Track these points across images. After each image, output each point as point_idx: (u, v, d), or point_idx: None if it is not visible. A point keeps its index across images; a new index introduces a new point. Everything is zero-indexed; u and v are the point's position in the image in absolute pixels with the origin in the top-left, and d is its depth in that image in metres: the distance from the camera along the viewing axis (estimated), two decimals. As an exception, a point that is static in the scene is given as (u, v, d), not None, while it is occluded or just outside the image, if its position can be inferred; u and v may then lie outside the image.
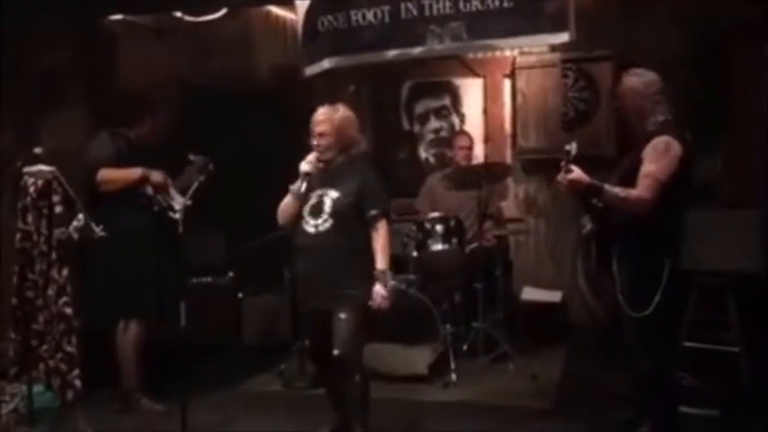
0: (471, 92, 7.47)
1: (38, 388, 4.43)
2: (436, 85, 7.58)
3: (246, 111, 6.73)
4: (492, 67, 7.37)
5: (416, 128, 7.69)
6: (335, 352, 4.07)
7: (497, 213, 6.62)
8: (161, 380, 5.04)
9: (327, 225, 4.18)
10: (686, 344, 5.07)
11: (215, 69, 7.05)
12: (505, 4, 5.10)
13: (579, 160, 4.02)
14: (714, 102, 6.11)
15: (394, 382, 5.46)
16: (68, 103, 5.87)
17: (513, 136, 7.29)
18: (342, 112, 4.35)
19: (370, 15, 5.44)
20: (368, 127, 6.23)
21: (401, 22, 5.38)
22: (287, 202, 4.34)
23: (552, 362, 5.95)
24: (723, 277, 5.20)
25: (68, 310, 4.33)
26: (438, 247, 5.96)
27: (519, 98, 7.14)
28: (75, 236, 4.32)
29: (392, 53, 5.51)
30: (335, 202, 4.21)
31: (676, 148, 3.92)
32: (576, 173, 3.97)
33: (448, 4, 5.21)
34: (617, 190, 3.95)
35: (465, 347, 6.00)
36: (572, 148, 4.01)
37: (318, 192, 4.26)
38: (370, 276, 4.17)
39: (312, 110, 4.38)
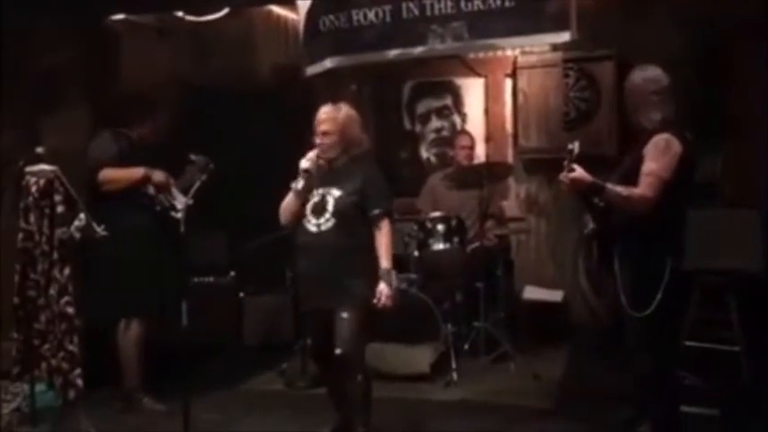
0: (473, 91, 7.48)
1: (40, 387, 4.44)
2: (438, 84, 7.59)
3: (248, 110, 6.74)
4: (493, 67, 7.38)
5: (418, 127, 7.70)
6: (338, 351, 4.07)
7: (499, 213, 6.63)
8: (163, 379, 5.04)
9: (330, 224, 4.18)
10: (687, 343, 5.07)
11: (216, 69, 7.06)
12: (507, 4, 5.11)
13: (581, 160, 4.01)
14: (714, 102, 6.11)
15: (395, 381, 5.46)
16: (70, 102, 5.87)
17: (515, 135, 7.30)
18: (345, 110, 4.35)
19: (371, 15, 5.44)
20: (369, 127, 6.21)
21: (402, 21, 5.39)
22: (288, 201, 4.34)
23: (553, 361, 5.95)
24: (724, 277, 5.21)
25: (70, 310, 4.34)
26: (439, 246, 5.96)
27: (520, 98, 7.15)
28: (77, 235, 4.32)
29: (393, 53, 5.52)
30: (338, 201, 4.21)
31: (677, 146, 3.92)
32: (579, 172, 3.96)
33: (449, 3, 5.22)
34: (619, 189, 3.94)
35: (466, 347, 6.01)
36: (574, 147, 4.00)
37: (321, 191, 4.26)
38: (372, 276, 4.17)
39: (314, 109, 4.38)
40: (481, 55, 7.18)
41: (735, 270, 5.21)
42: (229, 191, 5.99)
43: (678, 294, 3.98)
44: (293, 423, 4.94)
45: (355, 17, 5.49)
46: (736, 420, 4.62)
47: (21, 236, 4.32)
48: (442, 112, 7.60)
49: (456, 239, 5.97)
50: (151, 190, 5.12)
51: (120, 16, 6.24)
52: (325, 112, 4.32)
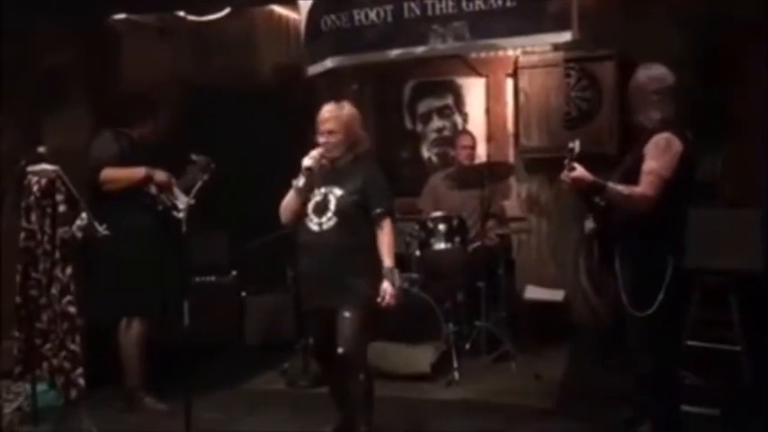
0: (474, 91, 7.48)
1: (41, 386, 4.44)
2: (439, 84, 7.60)
3: (249, 110, 6.74)
4: (495, 67, 7.39)
5: (419, 127, 7.71)
6: (340, 350, 4.07)
7: (500, 212, 6.63)
8: (164, 379, 5.05)
9: (332, 223, 4.18)
10: (688, 343, 5.07)
11: (218, 69, 7.06)
12: (508, 4, 5.11)
13: (582, 159, 4.01)
14: (714, 102, 6.11)
15: (397, 380, 5.47)
16: (72, 102, 5.88)
17: (516, 135, 7.30)
18: (348, 109, 4.35)
19: (372, 15, 5.45)
20: (371, 126, 6.24)
21: (404, 21, 5.39)
22: (289, 199, 4.33)
23: (555, 361, 5.96)
24: (724, 276, 5.21)
25: (72, 309, 4.34)
26: (441, 246, 5.96)
27: (521, 97, 7.15)
28: (79, 235, 4.32)
29: (395, 52, 5.52)
30: (340, 200, 4.21)
31: (678, 145, 3.92)
32: (579, 171, 3.96)
33: (450, 3, 5.23)
34: (620, 187, 3.94)
35: (468, 346, 6.01)
36: (575, 145, 4.00)
37: (323, 189, 4.26)
38: (374, 275, 4.17)
39: (315, 109, 4.38)
40: (482, 55, 7.19)
41: (735, 270, 5.21)
42: (231, 191, 5.99)
43: (679, 294, 3.98)
44: (295, 422, 4.95)
45: (357, 17, 5.50)
46: (736, 420, 4.62)
47: (22, 235, 4.32)
48: (443, 112, 7.60)
49: (457, 239, 5.97)
50: (153, 189, 5.12)
51: (121, 16, 6.24)
52: (328, 110, 4.31)
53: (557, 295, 6.85)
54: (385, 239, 4.22)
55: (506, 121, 7.39)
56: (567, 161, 4.01)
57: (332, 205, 4.20)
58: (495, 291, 6.14)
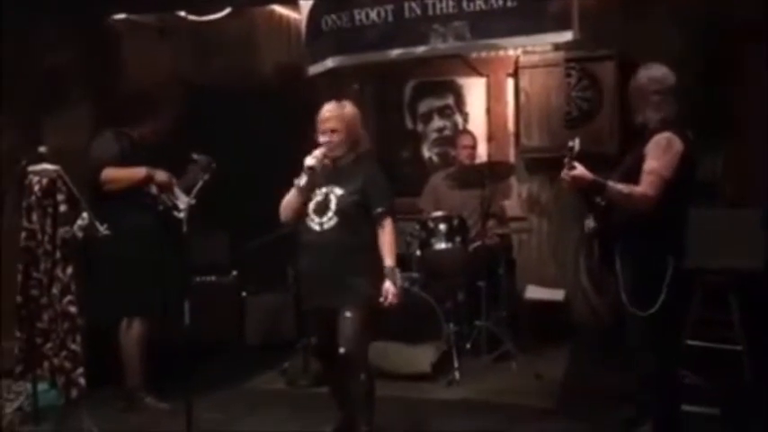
0: (474, 91, 7.49)
1: (42, 386, 4.45)
2: (439, 84, 7.60)
3: (250, 110, 6.73)
4: (495, 67, 7.39)
5: (420, 127, 7.71)
6: (341, 350, 4.06)
7: (500, 212, 6.63)
8: (165, 378, 5.05)
9: (332, 223, 4.17)
10: (689, 342, 5.08)
11: (218, 68, 7.06)
12: (509, 4, 5.11)
13: (582, 159, 4.01)
14: (714, 102, 6.12)
15: (397, 380, 5.47)
16: (72, 102, 5.88)
17: (517, 135, 7.30)
18: (349, 108, 4.34)
19: (373, 14, 5.45)
20: (371, 126, 6.23)
21: (404, 21, 5.39)
22: (290, 198, 4.32)
23: (555, 360, 5.96)
24: (725, 276, 5.22)
25: (73, 309, 4.34)
26: (441, 245, 5.97)
27: (522, 97, 7.15)
28: (80, 234, 4.33)
29: (395, 52, 5.52)
30: (340, 200, 4.20)
31: (678, 144, 3.92)
32: (580, 170, 3.97)
33: (451, 3, 5.23)
34: (620, 187, 3.94)
35: (468, 346, 6.01)
36: (575, 144, 4.00)
37: (324, 189, 4.25)
38: (375, 274, 4.17)
39: (316, 109, 4.37)
40: (483, 54, 7.20)
41: (736, 269, 5.22)
42: (232, 190, 5.98)
43: (680, 293, 3.98)
44: (295, 422, 4.95)
45: (357, 17, 5.50)
46: (737, 419, 4.63)
47: (23, 235, 4.33)
48: (443, 112, 7.61)
49: (458, 239, 5.98)
50: (154, 189, 5.12)
51: (121, 16, 6.24)
52: (329, 109, 4.30)
53: (557, 295, 6.85)
54: (386, 239, 4.21)
55: (507, 120, 7.39)
56: (566, 160, 4.01)
57: (333, 205, 4.20)
58: (496, 290, 6.14)
